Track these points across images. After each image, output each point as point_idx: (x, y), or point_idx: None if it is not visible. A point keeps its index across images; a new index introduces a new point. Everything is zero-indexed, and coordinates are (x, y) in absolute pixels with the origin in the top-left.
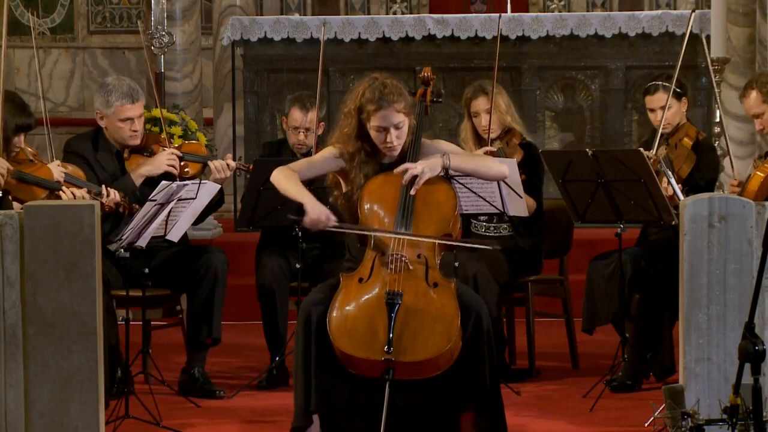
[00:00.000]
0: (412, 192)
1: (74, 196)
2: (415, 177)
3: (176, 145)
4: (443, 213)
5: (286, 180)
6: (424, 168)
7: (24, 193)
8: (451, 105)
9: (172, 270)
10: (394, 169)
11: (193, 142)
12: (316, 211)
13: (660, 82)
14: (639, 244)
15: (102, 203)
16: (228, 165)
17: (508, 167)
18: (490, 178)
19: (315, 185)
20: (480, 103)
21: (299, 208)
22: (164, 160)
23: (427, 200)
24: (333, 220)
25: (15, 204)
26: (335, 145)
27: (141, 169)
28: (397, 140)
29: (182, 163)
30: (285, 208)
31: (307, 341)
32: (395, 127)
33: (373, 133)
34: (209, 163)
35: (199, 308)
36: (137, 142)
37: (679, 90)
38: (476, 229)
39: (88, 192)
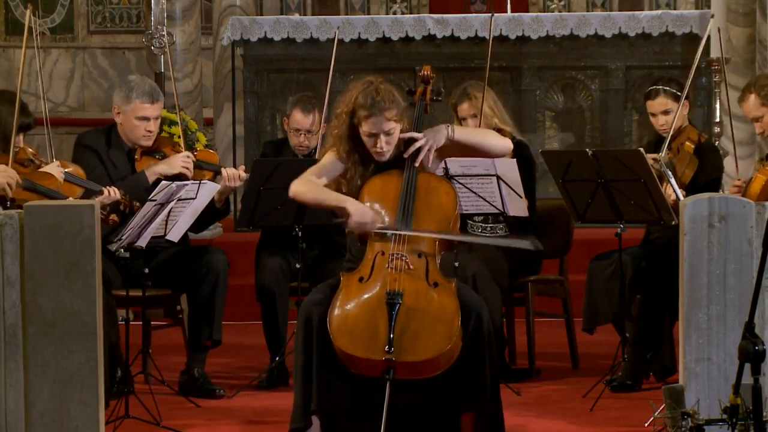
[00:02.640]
0: (416, 164)
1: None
2: (419, 150)
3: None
4: (444, 212)
5: (314, 189)
6: (428, 139)
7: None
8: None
9: (173, 270)
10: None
11: (208, 150)
12: (361, 214)
13: (661, 87)
14: (643, 245)
15: (105, 216)
16: (239, 176)
17: (510, 144)
18: (494, 153)
19: None
20: (465, 108)
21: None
22: (179, 161)
23: (428, 199)
24: (379, 221)
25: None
26: (332, 148)
27: (156, 167)
28: (387, 146)
29: (195, 170)
30: (285, 208)
31: (307, 341)
32: (385, 133)
33: (364, 137)
34: (222, 169)
35: (200, 309)
36: (149, 143)
37: (679, 93)
38: (472, 230)
39: (87, 191)
